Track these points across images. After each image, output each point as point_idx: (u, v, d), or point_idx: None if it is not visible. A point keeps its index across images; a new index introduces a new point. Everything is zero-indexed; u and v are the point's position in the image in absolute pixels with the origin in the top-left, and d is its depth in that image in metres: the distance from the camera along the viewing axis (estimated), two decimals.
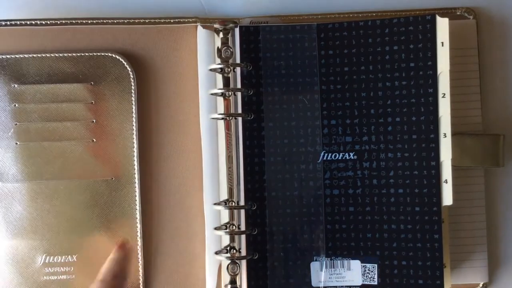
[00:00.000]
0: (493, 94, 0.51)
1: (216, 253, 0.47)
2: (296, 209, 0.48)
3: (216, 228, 0.48)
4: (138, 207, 0.49)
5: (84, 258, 0.48)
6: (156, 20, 0.50)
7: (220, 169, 0.48)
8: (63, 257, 0.48)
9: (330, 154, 0.48)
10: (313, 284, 0.48)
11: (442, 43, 0.46)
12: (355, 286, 0.48)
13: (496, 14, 0.51)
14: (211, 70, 0.48)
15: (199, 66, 0.48)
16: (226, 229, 0.47)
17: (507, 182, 0.51)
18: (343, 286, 0.48)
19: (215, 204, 0.48)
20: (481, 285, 0.50)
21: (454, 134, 0.47)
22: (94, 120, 0.48)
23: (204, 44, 0.48)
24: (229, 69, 0.47)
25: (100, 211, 0.48)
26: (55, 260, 0.48)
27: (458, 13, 0.50)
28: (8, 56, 0.48)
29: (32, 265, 0.48)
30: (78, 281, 0.48)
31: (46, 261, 0.48)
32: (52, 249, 0.48)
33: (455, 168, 0.47)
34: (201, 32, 0.48)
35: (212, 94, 0.48)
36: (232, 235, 0.47)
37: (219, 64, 0.47)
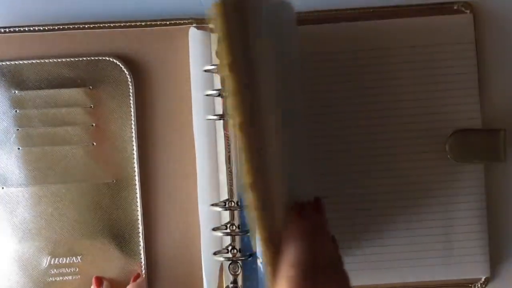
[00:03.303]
0: (491, 89, 0.50)
1: (216, 253, 0.48)
2: None
3: (216, 229, 0.48)
4: (139, 208, 0.49)
5: (88, 259, 0.49)
6: (153, 23, 0.50)
7: (220, 169, 0.48)
8: (68, 258, 0.49)
9: None
10: None
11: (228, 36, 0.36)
12: None
13: (492, 8, 0.50)
14: (207, 71, 0.48)
15: (192, 67, 0.48)
16: (226, 229, 0.48)
17: (509, 176, 0.51)
18: None
19: (213, 204, 0.48)
20: (482, 280, 0.50)
21: (455, 130, 0.47)
22: (94, 124, 0.49)
23: (198, 44, 0.48)
24: None
25: (103, 213, 0.49)
26: (60, 262, 0.49)
27: (455, 8, 0.50)
28: (7, 63, 0.49)
29: (38, 267, 0.49)
30: (83, 281, 0.49)
31: (52, 262, 0.49)
32: (56, 251, 0.49)
33: (456, 164, 0.47)
34: (194, 33, 0.48)
35: (209, 94, 0.48)
36: (232, 235, 0.48)
37: (216, 64, 0.47)
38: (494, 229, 0.50)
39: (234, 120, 0.34)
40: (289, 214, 0.37)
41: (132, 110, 0.49)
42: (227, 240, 0.48)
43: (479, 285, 0.50)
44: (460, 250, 0.50)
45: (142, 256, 0.49)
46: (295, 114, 0.42)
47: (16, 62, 0.49)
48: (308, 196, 0.42)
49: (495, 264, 0.51)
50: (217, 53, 0.39)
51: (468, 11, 0.49)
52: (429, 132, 0.49)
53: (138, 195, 0.49)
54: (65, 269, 0.49)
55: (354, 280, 0.48)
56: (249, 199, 0.35)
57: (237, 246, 0.47)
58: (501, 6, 0.50)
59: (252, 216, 0.35)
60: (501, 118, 0.50)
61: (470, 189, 0.49)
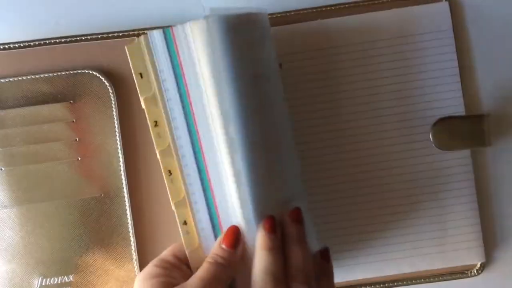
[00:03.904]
0: (472, 74, 0.51)
1: None
2: None
3: None
4: (130, 220, 0.48)
5: (81, 277, 0.48)
6: (130, 33, 0.49)
7: None
8: (60, 278, 0.48)
9: None
10: None
11: (141, 74, 0.41)
12: None
13: None
14: None
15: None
16: None
17: (495, 160, 0.51)
18: None
19: None
20: (478, 265, 0.50)
21: (439, 119, 0.48)
22: (77, 138, 0.48)
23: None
24: None
25: (92, 228, 0.48)
26: (52, 282, 0.48)
27: None
28: None
29: None
30: None
31: (43, 283, 0.48)
32: (47, 271, 0.48)
33: (443, 152, 0.48)
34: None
35: None
36: None
37: None
38: (486, 214, 0.51)
39: (156, 147, 0.41)
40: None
41: (116, 122, 0.48)
42: None
43: (475, 271, 0.50)
44: (454, 237, 0.50)
45: (136, 267, 0.48)
46: (272, 116, 0.42)
47: None
48: (295, 198, 0.42)
49: (490, 249, 0.51)
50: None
51: None
52: (413, 122, 0.49)
53: (127, 207, 0.48)
54: None
55: (350, 275, 0.49)
56: (178, 214, 0.41)
57: None
58: None
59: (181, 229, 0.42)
60: (483, 103, 0.51)
61: (458, 175, 0.50)
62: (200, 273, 0.38)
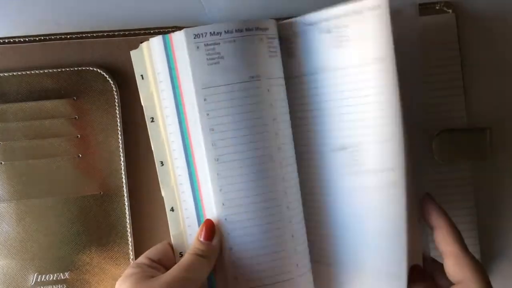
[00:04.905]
0: (476, 87, 0.51)
1: None
2: None
3: None
4: (128, 220, 0.48)
5: (76, 274, 0.48)
6: (136, 32, 0.49)
7: None
8: (55, 274, 0.48)
9: None
10: None
11: (142, 76, 0.45)
12: None
13: (474, 7, 0.51)
14: None
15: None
16: None
17: (496, 174, 0.51)
18: None
19: None
20: None
21: (441, 130, 0.48)
22: (79, 135, 0.48)
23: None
24: None
25: (90, 226, 0.48)
26: (47, 279, 0.48)
27: (437, 8, 0.50)
28: None
29: (24, 285, 0.48)
30: None
31: (38, 280, 0.48)
32: (43, 268, 0.48)
33: (443, 164, 0.47)
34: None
35: None
36: None
37: None
38: (484, 226, 0.51)
39: (151, 141, 0.45)
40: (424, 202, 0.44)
41: (118, 119, 0.48)
42: None
43: None
44: None
45: None
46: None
47: None
48: None
49: (487, 262, 0.51)
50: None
51: (450, 11, 0.50)
52: (415, 133, 0.49)
53: (126, 206, 0.48)
54: (52, 286, 0.48)
55: None
56: (167, 201, 0.45)
57: None
58: (483, 5, 0.51)
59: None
60: (486, 116, 0.51)
61: (458, 188, 0.50)
62: (182, 262, 0.42)
